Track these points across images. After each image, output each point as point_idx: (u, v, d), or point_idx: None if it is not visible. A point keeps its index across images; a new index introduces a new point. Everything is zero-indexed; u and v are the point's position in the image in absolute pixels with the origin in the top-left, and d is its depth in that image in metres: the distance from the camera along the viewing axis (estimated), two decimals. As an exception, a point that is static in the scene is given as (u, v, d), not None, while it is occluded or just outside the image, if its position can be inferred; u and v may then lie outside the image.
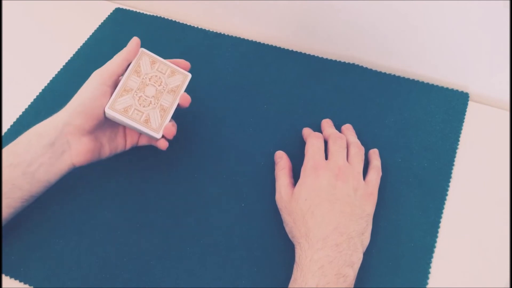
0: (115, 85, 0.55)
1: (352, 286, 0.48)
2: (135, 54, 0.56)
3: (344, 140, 0.57)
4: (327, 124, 0.62)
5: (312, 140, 0.57)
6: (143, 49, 0.57)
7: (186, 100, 0.57)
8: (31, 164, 0.51)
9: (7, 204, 0.51)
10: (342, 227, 0.49)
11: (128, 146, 0.59)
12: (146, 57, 0.57)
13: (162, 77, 0.57)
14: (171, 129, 0.55)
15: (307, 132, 0.61)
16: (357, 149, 0.56)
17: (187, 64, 0.59)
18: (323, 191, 0.51)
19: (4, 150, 0.52)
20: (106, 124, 0.56)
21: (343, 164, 0.54)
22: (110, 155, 0.58)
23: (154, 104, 0.56)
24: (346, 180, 0.52)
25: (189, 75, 0.58)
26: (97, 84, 0.54)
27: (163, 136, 0.56)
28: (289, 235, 0.53)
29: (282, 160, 0.58)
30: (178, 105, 0.57)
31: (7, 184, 0.51)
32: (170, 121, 0.56)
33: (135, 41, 0.56)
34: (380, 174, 0.57)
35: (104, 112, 0.54)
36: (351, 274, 0.47)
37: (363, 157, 0.56)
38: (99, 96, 0.53)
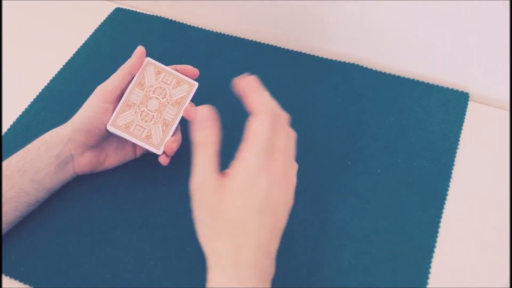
0: (119, 99, 0.55)
1: None
2: (139, 66, 0.55)
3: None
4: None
5: (268, 120, 0.43)
6: (148, 58, 0.56)
7: (190, 114, 0.56)
8: (38, 172, 0.53)
9: (15, 207, 0.53)
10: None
11: (138, 154, 0.60)
12: (151, 67, 0.56)
13: (167, 88, 0.56)
14: (171, 146, 0.55)
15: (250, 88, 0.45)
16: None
17: (195, 71, 0.57)
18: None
19: (14, 156, 0.54)
20: (112, 135, 0.57)
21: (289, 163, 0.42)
22: (119, 163, 0.59)
23: (157, 118, 0.55)
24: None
25: (196, 84, 0.57)
26: (98, 101, 0.54)
27: (164, 152, 0.55)
28: (201, 239, 0.42)
29: (209, 128, 0.43)
30: (183, 117, 0.56)
31: (16, 188, 0.52)
32: (173, 135, 0.56)
33: (139, 52, 0.55)
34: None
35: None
36: None
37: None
38: (100, 114, 0.54)
